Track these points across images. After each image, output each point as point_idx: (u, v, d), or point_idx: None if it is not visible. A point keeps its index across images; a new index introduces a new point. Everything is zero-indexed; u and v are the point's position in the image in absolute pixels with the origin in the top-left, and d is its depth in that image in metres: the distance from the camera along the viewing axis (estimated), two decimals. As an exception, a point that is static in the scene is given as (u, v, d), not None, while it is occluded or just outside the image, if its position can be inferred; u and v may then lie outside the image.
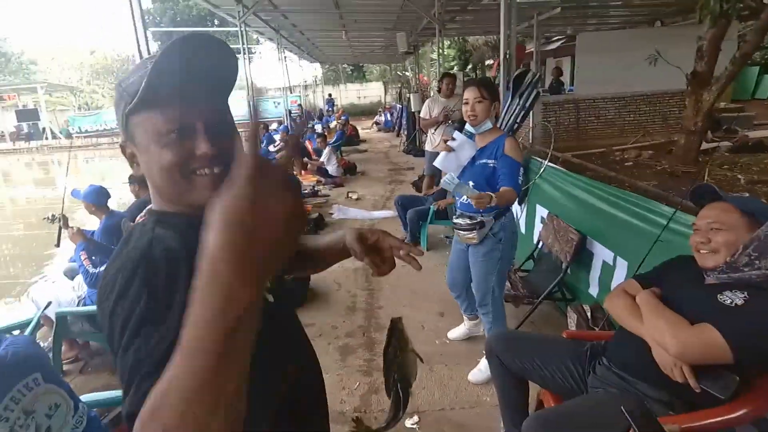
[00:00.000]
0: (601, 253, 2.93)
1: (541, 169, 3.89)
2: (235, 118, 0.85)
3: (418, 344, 3.24)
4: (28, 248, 7.67)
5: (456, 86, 6.13)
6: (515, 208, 4.48)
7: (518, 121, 4.56)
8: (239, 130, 0.80)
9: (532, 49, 11.84)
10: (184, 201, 0.80)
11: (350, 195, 8.14)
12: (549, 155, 3.96)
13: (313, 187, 8.65)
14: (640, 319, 1.67)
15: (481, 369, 2.89)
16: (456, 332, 3.38)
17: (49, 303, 3.25)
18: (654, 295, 1.71)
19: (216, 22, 26.47)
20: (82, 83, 39.70)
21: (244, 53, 9.20)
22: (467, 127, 2.67)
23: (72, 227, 3.45)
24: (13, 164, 22.21)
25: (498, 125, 4.56)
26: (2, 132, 27.10)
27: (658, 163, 8.16)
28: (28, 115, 27.06)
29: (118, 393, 2.25)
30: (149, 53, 4.40)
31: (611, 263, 2.81)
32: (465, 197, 2.66)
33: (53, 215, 3.67)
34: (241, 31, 8.76)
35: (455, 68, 25.51)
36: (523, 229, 4.31)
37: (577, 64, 12.12)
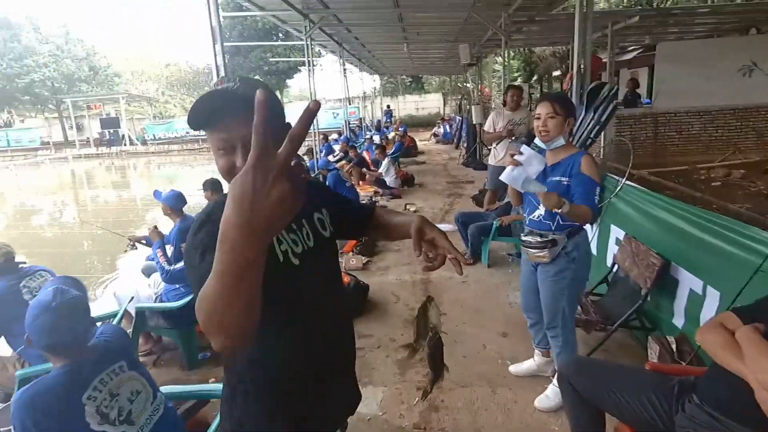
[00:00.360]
0: (688, 281, 2.74)
1: (618, 188, 3.71)
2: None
3: (479, 364, 3.26)
4: (104, 246, 8.14)
5: (522, 98, 5.98)
6: (587, 227, 4.30)
7: (592, 136, 4.42)
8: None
9: (606, 60, 11.37)
10: None
11: (408, 207, 8.12)
12: (627, 173, 3.78)
13: (371, 197, 8.70)
14: (740, 356, 1.54)
15: (549, 395, 2.76)
16: (520, 368, 3.16)
17: (132, 298, 3.52)
18: (757, 332, 1.57)
19: (281, 35, 27.49)
20: (158, 94, 42.79)
21: (309, 66, 9.46)
22: (537, 142, 2.55)
23: (153, 226, 3.84)
24: (96, 167, 24.29)
25: (570, 140, 4.44)
26: (88, 138, 30.24)
27: (752, 184, 7.61)
28: (110, 123, 29.91)
29: (188, 387, 2.41)
30: (225, 65, 4.80)
31: (700, 292, 2.62)
32: (536, 214, 2.57)
33: (133, 245, 4.33)
34: (307, 45, 8.99)
35: (519, 80, 25.09)
36: (595, 251, 4.12)
37: (656, 76, 11.44)
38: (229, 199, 0.65)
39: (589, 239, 4.14)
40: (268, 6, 8.13)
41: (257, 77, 31.89)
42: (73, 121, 30.78)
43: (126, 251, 4.48)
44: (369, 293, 4.34)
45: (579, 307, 3.14)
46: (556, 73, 22.70)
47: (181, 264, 3.56)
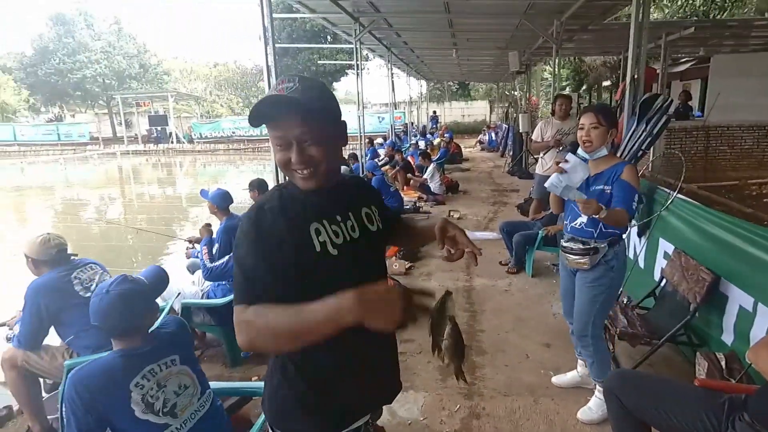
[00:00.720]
0: (739, 298, 2.68)
1: (669, 201, 3.65)
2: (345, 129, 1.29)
3: (522, 374, 3.26)
4: (147, 241, 8.48)
5: (571, 108, 5.92)
6: (634, 240, 4.24)
7: (643, 148, 4.34)
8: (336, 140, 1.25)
9: (659, 71, 11.10)
10: (293, 183, 1.26)
11: (452, 213, 8.14)
12: (679, 186, 3.71)
13: (415, 203, 8.77)
14: None
15: (592, 407, 2.75)
16: (563, 379, 3.14)
17: (179, 294, 3.60)
18: (811, 351, 1.56)
19: (329, 38, 27.85)
20: (206, 93, 43.58)
21: (358, 69, 9.60)
22: (580, 151, 2.59)
23: (205, 224, 3.95)
24: (143, 164, 24.99)
25: (621, 151, 4.39)
26: (136, 134, 30.90)
27: (805, 201, 7.30)
28: (158, 120, 30.46)
29: (231, 384, 2.47)
30: (275, 66, 4.90)
31: (750, 310, 2.56)
32: (578, 222, 2.60)
33: (192, 246, 4.48)
34: (356, 48, 9.12)
35: (568, 89, 24.67)
36: (642, 264, 4.06)
37: (710, 89, 11.14)
38: (362, 302, 0.96)
39: (637, 253, 4.11)
40: (319, 8, 8.26)
41: None
42: (122, 118, 31.49)
43: (187, 252, 4.59)
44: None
45: (625, 320, 3.12)
46: (606, 83, 22.21)
47: (221, 261, 3.61)
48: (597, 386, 2.76)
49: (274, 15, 5.88)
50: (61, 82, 33.33)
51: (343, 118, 1.27)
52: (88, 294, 2.70)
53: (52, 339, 2.83)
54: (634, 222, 4.09)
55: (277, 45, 5.27)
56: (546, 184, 2.50)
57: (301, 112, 1.12)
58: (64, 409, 1.74)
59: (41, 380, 2.95)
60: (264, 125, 1.19)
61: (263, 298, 1.11)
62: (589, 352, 2.73)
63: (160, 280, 2.20)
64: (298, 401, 1.30)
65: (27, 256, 2.77)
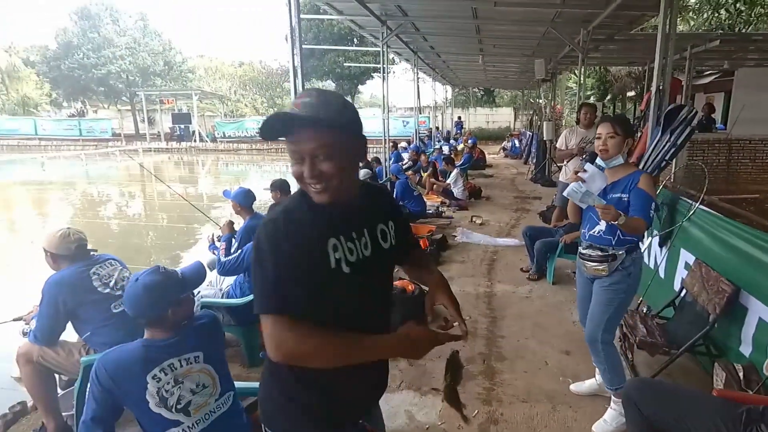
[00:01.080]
0: (758, 309, 2.69)
1: (691, 211, 3.66)
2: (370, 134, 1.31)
3: (540, 380, 3.31)
4: (168, 239, 8.64)
5: (596, 116, 5.93)
6: (655, 249, 4.25)
7: (666, 158, 4.35)
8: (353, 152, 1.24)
9: (683, 83, 11.02)
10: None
11: (474, 219, 8.17)
12: (701, 197, 3.72)
13: (437, 207, 8.80)
14: None
15: (607, 420, 2.75)
16: (581, 386, 3.16)
17: (199, 292, 3.58)
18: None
19: (355, 41, 27.94)
20: (230, 92, 43.64)
21: (384, 73, 9.67)
22: (598, 160, 2.67)
23: (228, 221, 3.98)
24: (165, 161, 24.85)
25: (645, 161, 4.40)
26: (158, 132, 30.80)
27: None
28: (182, 118, 30.39)
29: (249, 384, 2.43)
30: (301, 66, 4.93)
31: (770, 322, 2.59)
32: (596, 229, 2.66)
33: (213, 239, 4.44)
34: (383, 52, 9.20)
35: (593, 98, 24.40)
36: (662, 274, 4.07)
37: (734, 102, 11.05)
38: (414, 347, 1.22)
39: (657, 263, 4.11)
40: (347, 10, 8.30)
41: (330, 82, 32.16)
42: (145, 115, 31.18)
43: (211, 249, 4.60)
44: (432, 302, 4.43)
45: (644, 330, 3.15)
46: (631, 93, 21.89)
47: (233, 256, 3.60)
48: (613, 397, 2.77)
49: (302, 16, 5.96)
50: (84, 77, 33.04)
51: (363, 133, 1.26)
52: (107, 290, 2.72)
53: (69, 335, 2.80)
54: (655, 231, 4.11)
55: (303, 46, 5.31)
56: (565, 192, 2.58)
57: (314, 128, 1.14)
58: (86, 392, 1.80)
59: (56, 376, 2.90)
60: None
61: (295, 311, 1.13)
62: (599, 358, 2.76)
63: (197, 275, 2.16)
64: (291, 401, 1.32)
65: (46, 251, 2.73)
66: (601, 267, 2.66)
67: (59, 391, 2.91)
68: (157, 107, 32.80)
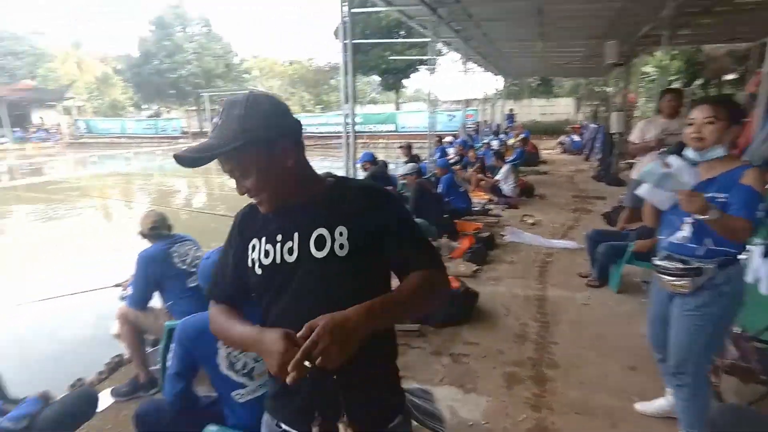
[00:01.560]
0: None
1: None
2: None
3: (599, 394, 3.12)
4: (223, 226, 8.92)
5: (682, 105, 5.36)
6: (757, 262, 3.78)
7: (779, 152, 3.90)
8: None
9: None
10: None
11: (525, 218, 7.91)
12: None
13: (484, 205, 8.56)
14: None
15: None
16: (649, 406, 2.89)
17: None
18: None
19: (402, 32, 28.03)
20: (281, 90, 46.41)
21: (432, 63, 9.45)
22: (688, 152, 2.27)
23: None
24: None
25: (749, 155, 3.94)
26: None
27: None
28: None
29: None
30: (352, 61, 5.20)
31: None
32: (679, 235, 2.29)
33: None
34: (432, 42, 8.98)
35: (677, 83, 22.24)
36: (764, 290, 3.63)
37: None
38: (261, 348, 1.16)
39: (759, 276, 3.66)
40: (396, 1, 8.24)
41: (375, 76, 33.16)
42: (209, 114, 34.99)
43: None
44: (478, 302, 4.31)
45: (736, 351, 2.81)
46: (730, 76, 19.82)
47: None
48: None
49: (354, 9, 5.89)
50: (160, 82, 38.01)
51: (286, 131, 1.31)
52: (184, 266, 3.32)
53: (156, 302, 3.44)
54: (758, 240, 3.64)
55: (353, 41, 5.39)
56: (637, 174, 2.21)
57: (218, 155, 1.21)
58: (171, 352, 2.15)
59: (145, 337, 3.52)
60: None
61: (219, 298, 1.43)
62: (683, 394, 2.41)
63: None
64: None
65: (140, 230, 3.43)
66: (681, 282, 2.28)
67: (147, 348, 3.50)
68: (218, 107, 35.09)
